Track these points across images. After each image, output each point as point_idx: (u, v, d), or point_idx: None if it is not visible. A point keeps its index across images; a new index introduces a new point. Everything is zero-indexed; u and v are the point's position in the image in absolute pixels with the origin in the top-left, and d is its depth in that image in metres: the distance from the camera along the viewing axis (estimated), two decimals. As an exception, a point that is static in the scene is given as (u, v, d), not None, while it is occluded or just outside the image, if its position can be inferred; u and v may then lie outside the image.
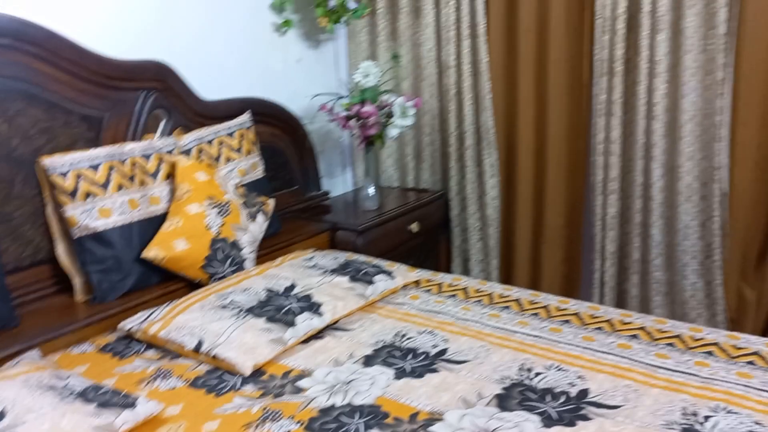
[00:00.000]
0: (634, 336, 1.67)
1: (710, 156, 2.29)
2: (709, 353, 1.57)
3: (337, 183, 3.10)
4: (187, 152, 2.10)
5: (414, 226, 2.69)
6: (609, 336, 1.68)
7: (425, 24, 2.79)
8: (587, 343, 1.65)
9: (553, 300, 1.93)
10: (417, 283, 2.09)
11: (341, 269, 2.00)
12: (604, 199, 2.52)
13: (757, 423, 1.27)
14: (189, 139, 2.12)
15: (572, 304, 1.89)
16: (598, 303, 2.60)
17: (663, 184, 2.40)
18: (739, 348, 1.59)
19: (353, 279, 1.94)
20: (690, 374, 1.47)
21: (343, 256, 2.15)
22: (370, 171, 2.69)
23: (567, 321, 1.78)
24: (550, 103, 2.60)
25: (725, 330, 2.25)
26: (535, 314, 1.83)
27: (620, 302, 2.59)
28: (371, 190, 2.68)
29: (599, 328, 1.73)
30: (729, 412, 1.31)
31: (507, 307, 1.89)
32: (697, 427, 1.26)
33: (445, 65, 2.77)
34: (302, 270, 1.97)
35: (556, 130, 2.62)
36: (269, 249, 2.23)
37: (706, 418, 1.29)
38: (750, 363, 1.52)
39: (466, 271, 2.94)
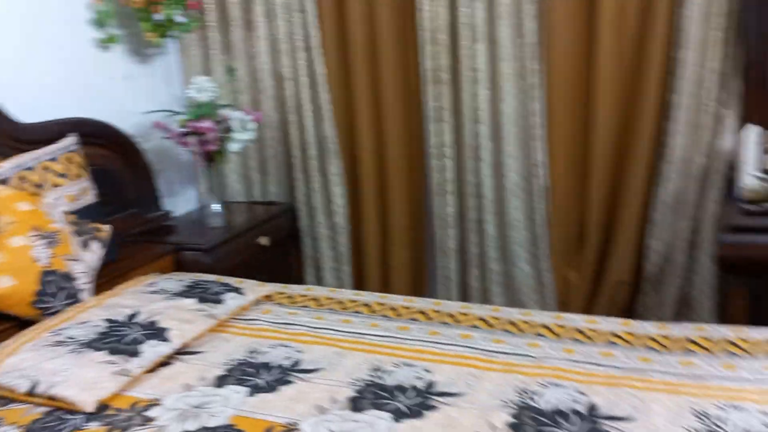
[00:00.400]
0: (474, 326, 1.79)
1: (530, 154, 2.51)
2: (539, 335, 1.72)
3: (181, 201, 3.00)
4: (5, 182, 1.94)
5: (264, 240, 2.67)
6: (452, 328, 1.79)
7: (258, 37, 2.79)
8: (433, 337, 1.75)
9: (399, 300, 2.02)
10: (269, 297, 2.09)
11: (188, 291, 1.95)
12: (443, 199, 2.67)
13: (579, 392, 1.41)
14: (6, 167, 1.96)
15: (417, 302, 1.99)
16: (444, 298, 2.74)
17: (492, 183, 2.58)
18: (563, 327, 1.75)
19: (201, 300, 1.90)
20: (524, 356, 1.61)
21: (189, 278, 2.09)
22: (213, 187, 2.64)
23: (414, 319, 1.87)
24: (386, 112, 2.71)
25: (554, 312, 2.49)
26: (385, 316, 1.90)
27: (464, 295, 2.75)
28: (216, 207, 2.63)
29: (444, 323, 1.83)
30: (557, 385, 1.44)
31: (358, 312, 1.94)
32: (531, 402, 1.38)
33: (282, 77, 2.79)
34: (145, 296, 1.90)
35: (394, 137, 2.73)
36: (108, 277, 2.12)
37: (537, 393, 1.42)
38: (574, 339, 1.68)
39: (319, 280, 2.97)
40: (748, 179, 2.03)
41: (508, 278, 2.66)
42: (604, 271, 2.54)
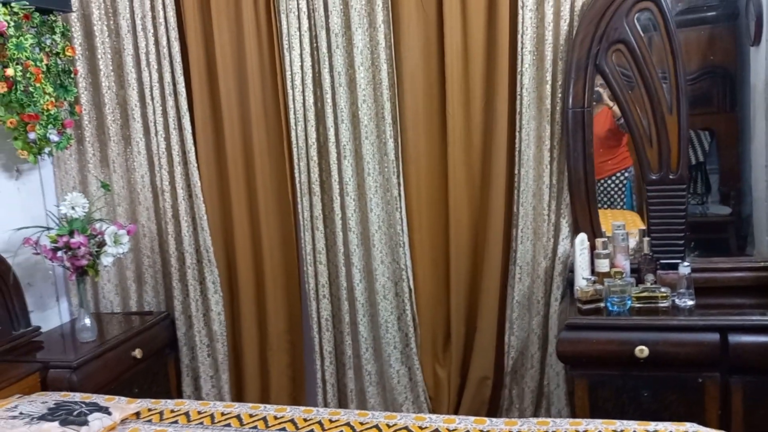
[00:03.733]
0: (339, 433, 1.88)
1: (397, 259, 2.70)
2: (398, 437, 1.83)
3: (52, 316, 2.93)
4: None
5: (137, 352, 2.66)
6: (319, 437, 1.87)
7: (137, 152, 2.87)
8: (299, 447, 1.82)
9: (271, 410, 2.08)
10: (138, 414, 2.09)
11: (50, 414, 1.92)
12: (318, 303, 2.79)
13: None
14: None
15: (289, 411, 2.05)
16: (322, 401, 2.82)
17: (363, 286, 2.74)
18: (425, 428, 1.87)
19: (64, 423, 1.88)
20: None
21: (53, 398, 2.06)
22: (84, 301, 2.63)
23: (283, 428, 1.93)
24: (263, 222, 2.84)
25: (426, 408, 2.62)
26: (254, 427, 1.96)
27: (341, 397, 2.84)
28: (87, 321, 2.60)
29: (311, 430, 1.91)
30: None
31: (228, 425, 1.98)
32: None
33: (159, 190, 2.87)
34: (4, 422, 1.85)
35: (270, 246, 2.85)
36: (-35, 403, 2.05)
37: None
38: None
39: (197, 390, 2.96)
40: (581, 281, 2.30)
41: (382, 377, 2.78)
42: (469, 367, 2.71)
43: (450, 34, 2.54)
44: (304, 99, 2.68)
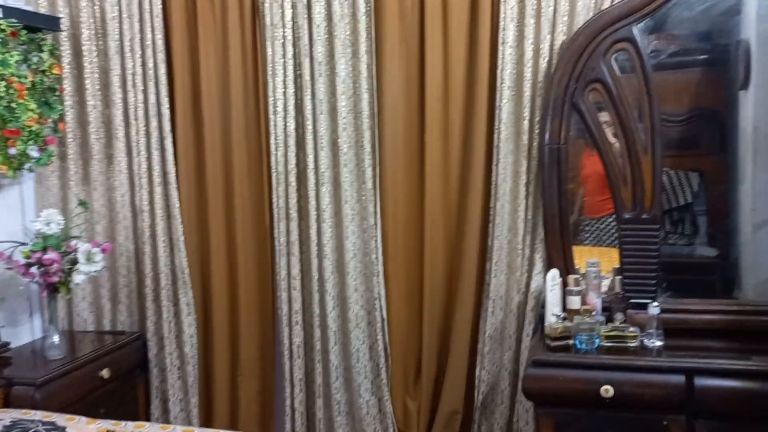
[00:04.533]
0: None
1: (371, 288, 2.69)
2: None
3: (23, 331, 2.91)
4: None
5: (105, 372, 2.64)
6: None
7: (118, 170, 2.89)
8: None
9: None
10: (96, 435, 2.06)
11: (5, 432, 1.90)
12: (290, 330, 2.78)
13: None
14: None
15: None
16: (290, 429, 2.79)
17: (336, 314, 2.73)
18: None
19: (17, 441, 1.85)
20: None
21: (12, 416, 2.04)
22: (54, 318, 2.61)
23: (239, 456, 1.91)
24: (240, 245, 2.84)
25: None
26: (211, 453, 1.93)
27: (309, 426, 2.80)
28: (56, 338, 2.58)
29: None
30: None
31: (184, 450, 1.96)
32: None
33: (138, 209, 2.87)
34: (-44, 438, 1.83)
35: (246, 269, 2.85)
36: None
37: None
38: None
39: (165, 412, 2.92)
40: (550, 318, 2.29)
41: (352, 407, 2.75)
42: (439, 400, 2.69)
43: (431, 67, 2.57)
44: (285, 125, 2.70)
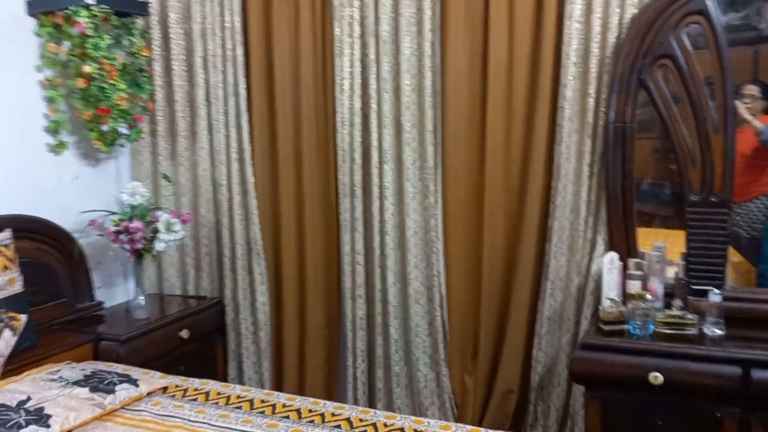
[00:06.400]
0: (338, 426, 1.94)
1: (431, 265, 2.73)
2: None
3: (118, 293, 3.20)
4: (-66, 271, 2.16)
5: (184, 333, 2.85)
6: (318, 428, 1.94)
7: (201, 147, 3.08)
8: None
9: (282, 398, 2.17)
10: (165, 389, 2.25)
11: (84, 380, 2.12)
12: (353, 303, 2.87)
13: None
14: (-63, 258, 2.19)
15: (298, 401, 2.14)
16: (353, 398, 2.89)
17: (397, 289, 2.79)
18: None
19: (94, 389, 2.07)
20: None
21: (92, 367, 2.27)
22: (140, 282, 2.86)
23: (286, 417, 2.03)
24: (308, 220, 2.96)
25: (452, 415, 2.62)
26: (262, 413, 2.06)
27: (371, 396, 2.90)
28: (141, 300, 2.83)
29: (311, 421, 1.99)
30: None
31: (239, 407, 2.10)
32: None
33: (218, 184, 3.06)
34: (43, 383, 2.07)
35: (314, 243, 2.97)
36: (21, 363, 2.29)
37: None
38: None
39: (240, 373, 3.12)
40: (605, 302, 2.23)
41: (411, 380, 2.81)
42: (496, 379, 2.70)
43: (495, 44, 2.54)
44: (351, 104, 2.77)
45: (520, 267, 2.61)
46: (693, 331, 2.09)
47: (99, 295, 3.03)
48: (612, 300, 2.22)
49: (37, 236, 2.67)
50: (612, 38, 2.37)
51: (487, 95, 2.59)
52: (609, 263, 2.28)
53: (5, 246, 2.42)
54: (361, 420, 1.99)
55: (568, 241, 2.51)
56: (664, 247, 2.35)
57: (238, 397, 2.18)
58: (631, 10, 2.33)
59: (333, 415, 2.03)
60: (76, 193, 2.95)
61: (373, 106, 2.72)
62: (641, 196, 2.46)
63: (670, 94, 2.25)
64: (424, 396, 2.77)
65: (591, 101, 2.42)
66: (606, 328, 2.18)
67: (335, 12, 2.75)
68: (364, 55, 2.74)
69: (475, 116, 2.64)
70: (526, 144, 2.58)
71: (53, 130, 2.81)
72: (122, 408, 2.09)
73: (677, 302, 2.18)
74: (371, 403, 2.90)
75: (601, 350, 2.09)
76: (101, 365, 2.38)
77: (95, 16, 2.68)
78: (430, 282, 2.74)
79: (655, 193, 2.59)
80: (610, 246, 2.41)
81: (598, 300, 2.43)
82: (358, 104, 2.76)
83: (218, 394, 2.21)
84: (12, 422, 1.81)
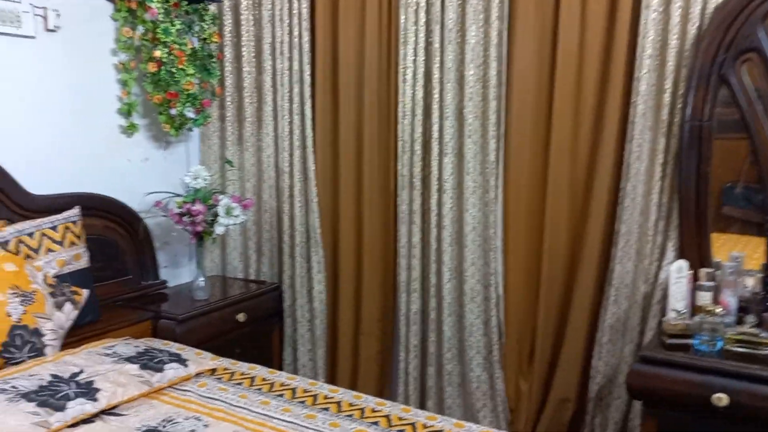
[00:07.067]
0: (375, 423, 1.90)
1: (488, 263, 2.63)
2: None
3: (184, 273, 3.29)
4: (5, 244, 2.28)
5: (241, 316, 2.89)
6: (355, 422, 1.90)
7: (266, 133, 3.11)
8: (334, 429, 1.87)
9: (324, 389, 2.15)
10: (214, 371, 2.28)
11: (136, 357, 2.17)
12: (408, 296, 2.82)
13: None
14: (8, 231, 2.31)
15: (340, 394, 2.11)
16: (404, 393, 2.85)
17: (452, 285, 2.72)
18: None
19: (144, 367, 2.12)
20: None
21: (147, 345, 2.33)
22: (201, 263, 2.92)
23: (325, 408, 2.01)
24: (366, 209, 2.93)
25: (504, 420, 2.54)
26: (302, 402, 2.05)
27: (422, 393, 2.84)
28: (201, 281, 2.89)
29: (349, 415, 1.96)
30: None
31: (281, 395, 2.10)
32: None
33: (280, 170, 3.08)
34: (97, 357, 2.14)
35: (371, 234, 2.94)
36: (81, 336, 2.39)
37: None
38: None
39: (295, 360, 3.14)
40: (670, 313, 2.08)
41: (463, 380, 2.74)
42: (552, 386, 2.58)
43: (565, 33, 2.42)
44: (413, 93, 2.71)
45: (582, 270, 2.48)
46: (767, 351, 1.91)
47: (164, 274, 3.12)
48: (677, 311, 2.06)
49: (105, 214, 2.77)
50: (692, 29, 2.19)
51: (555, 87, 2.46)
52: (677, 272, 2.12)
53: (73, 222, 2.52)
54: (400, 418, 1.94)
55: (635, 245, 2.36)
56: (742, 256, 2.17)
57: (282, 384, 2.18)
58: (714, 1, 2.14)
59: (373, 411, 1.99)
60: (145, 175, 3.04)
61: (436, 96, 2.65)
62: (730, 200, 2.28)
63: (754, 91, 2.06)
64: (476, 397, 2.69)
65: (667, 97, 2.25)
66: (669, 341, 2.02)
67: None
68: (428, 44, 2.67)
69: (540, 109, 2.52)
70: (594, 140, 2.43)
71: (125, 112, 2.90)
72: (169, 387, 2.12)
73: (751, 318, 2.00)
74: (422, 401, 2.84)
75: (661, 365, 1.95)
76: (157, 343, 2.44)
77: (167, 1, 2.73)
78: (487, 280, 2.65)
79: (747, 197, 2.39)
80: (681, 253, 2.25)
81: (665, 310, 2.26)
82: (420, 94, 2.70)
83: (263, 380, 2.21)
84: (61, 393, 1.88)
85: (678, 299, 2.10)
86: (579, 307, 2.50)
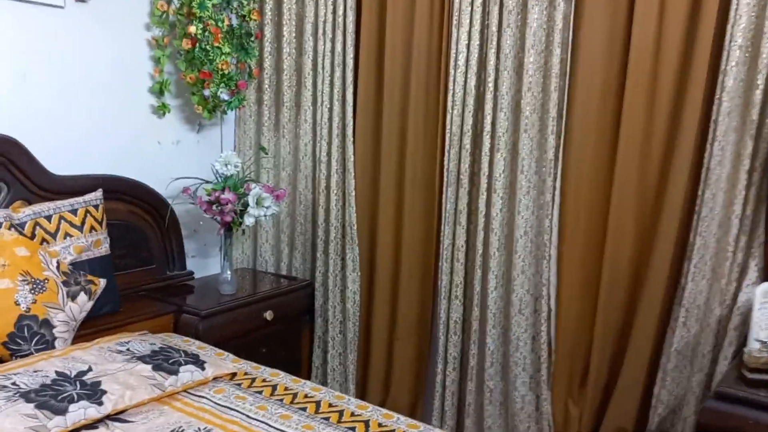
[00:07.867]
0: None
1: (540, 272, 2.38)
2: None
3: (213, 264, 3.13)
4: (21, 225, 2.13)
5: (268, 314, 2.71)
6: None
7: (304, 120, 2.91)
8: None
9: (352, 404, 1.95)
10: (233, 375, 2.10)
11: (150, 356, 2.00)
12: (449, 303, 2.59)
13: None
14: (25, 213, 2.16)
15: (368, 411, 1.90)
16: (439, 408, 2.62)
17: (498, 294, 2.47)
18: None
19: (157, 368, 1.94)
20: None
21: (165, 342, 2.15)
22: (229, 255, 2.73)
23: (352, 428, 1.79)
24: (407, 207, 2.70)
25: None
26: (327, 418, 1.85)
27: (459, 410, 2.61)
28: (228, 275, 2.71)
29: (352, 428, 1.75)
30: None
31: (304, 408, 1.90)
32: None
33: (318, 159, 2.87)
34: (109, 354, 1.97)
35: (411, 233, 2.71)
36: (97, 328, 2.23)
37: None
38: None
39: (325, 363, 2.95)
40: (753, 343, 1.80)
41: (505, 399, 2.50)
42: (606, 413, 2.31)
43: (641, 17, 2.13)
44: (465, 81, 2.46)
45: (648, 286, 2.21)
46: None
47: (192, 264, 2.96)
48: (762, 342, 1.78)
49: (130, 198, 2.61)
50: (797, 15, 1.89)
51: (626, 79, 2.18)
52: (762, 296, 1.83)
53: (94, 207, 2.37)
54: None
55: (711, 262, 2.07)
56: (841, 282, 1.86)
57: (306, 396, 1.98)
58: (824, -19, 1.84)
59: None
60: (175, 158, 2.88)
61: (490, 85, 2.40)
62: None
63: None
64: (519, 419, 2.44)
65: (758, 94, 1.95)
66: (750, 376, 1.75)
67: (457, -23, 2.45)
68: (484, 27, 2.42)
69: (608, 104, 2.25)
70: (669, 141, 2.15)
71: (157, 91, 2.74)
72: (184, 391, 1.94)
73: None
74: (459, 419, 2.61)
75: (741, 403, 1.67)
76: (176, 339, 2.27)
77: (204, -27, 2.55)
78: (538, 291, 2.39)
79: None
80: (766, 274, 1.95)
81: (743, 338, 1.98)
82: (473, 82, 2.45)
83: (286, 389, 2.02)
84: (65, 394, 1.71)
85: (763, 327, 1.81)
86: (642, 327, 2.22)
